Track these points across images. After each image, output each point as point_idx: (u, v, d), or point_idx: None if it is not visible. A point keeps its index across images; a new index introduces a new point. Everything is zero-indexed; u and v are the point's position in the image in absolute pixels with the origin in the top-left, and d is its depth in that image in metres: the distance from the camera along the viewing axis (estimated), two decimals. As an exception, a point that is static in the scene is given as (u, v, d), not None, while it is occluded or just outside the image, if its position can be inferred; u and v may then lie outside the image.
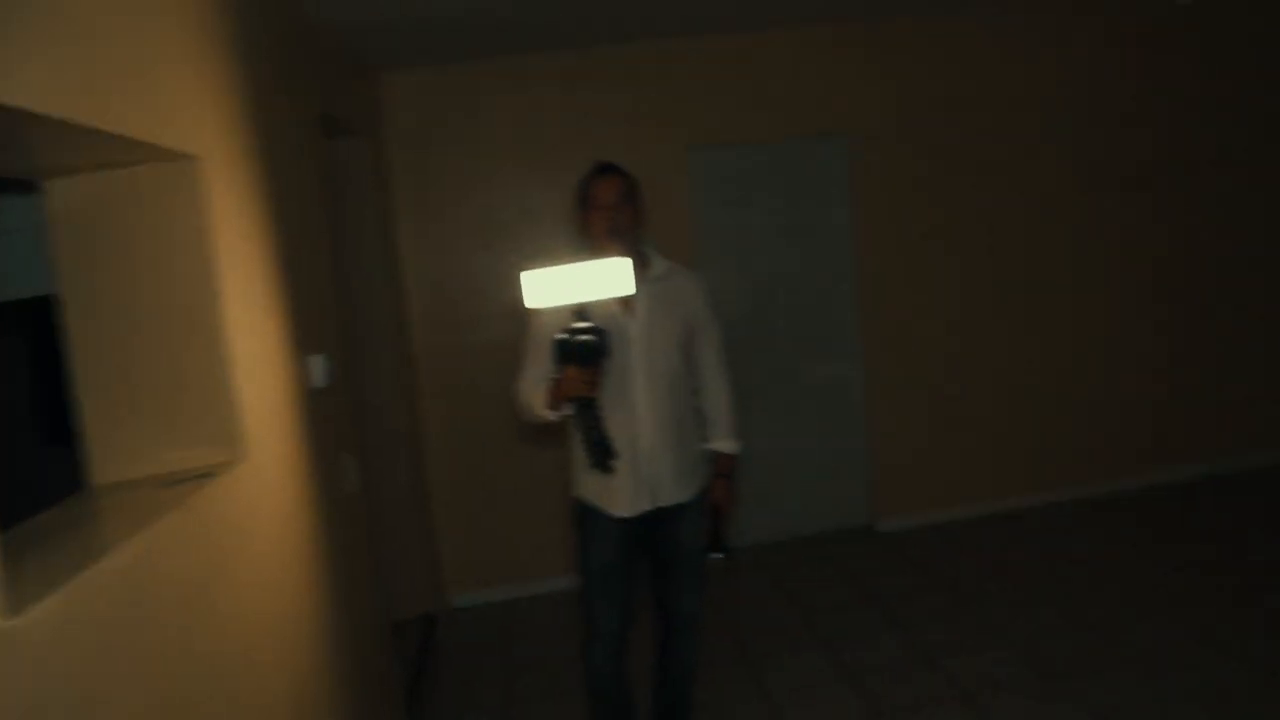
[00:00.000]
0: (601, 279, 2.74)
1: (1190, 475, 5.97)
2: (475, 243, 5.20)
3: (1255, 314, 6.00)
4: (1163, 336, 5.90)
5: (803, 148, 5.48)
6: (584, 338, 2.77)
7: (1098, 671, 3.81)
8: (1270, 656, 3.78)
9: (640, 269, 3.05)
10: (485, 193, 5.17)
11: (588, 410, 2.86)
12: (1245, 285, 5.97)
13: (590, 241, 3.09)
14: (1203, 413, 5.99)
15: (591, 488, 3.14)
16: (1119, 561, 4.87)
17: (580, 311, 2.80)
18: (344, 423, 3.51)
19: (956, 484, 5.75)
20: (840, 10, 5.09)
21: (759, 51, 5.30)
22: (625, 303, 3.05)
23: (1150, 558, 4.87)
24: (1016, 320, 5.73)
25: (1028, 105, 5.61)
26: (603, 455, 2.87)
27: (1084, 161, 5.70)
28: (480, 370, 5.20)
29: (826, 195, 5.54)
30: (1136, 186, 5.76)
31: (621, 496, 3.08)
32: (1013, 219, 5.66)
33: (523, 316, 3.10)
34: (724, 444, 3.28)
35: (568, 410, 2.94)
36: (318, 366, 3.14)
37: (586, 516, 3.18)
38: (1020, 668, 3.91)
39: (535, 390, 3.03)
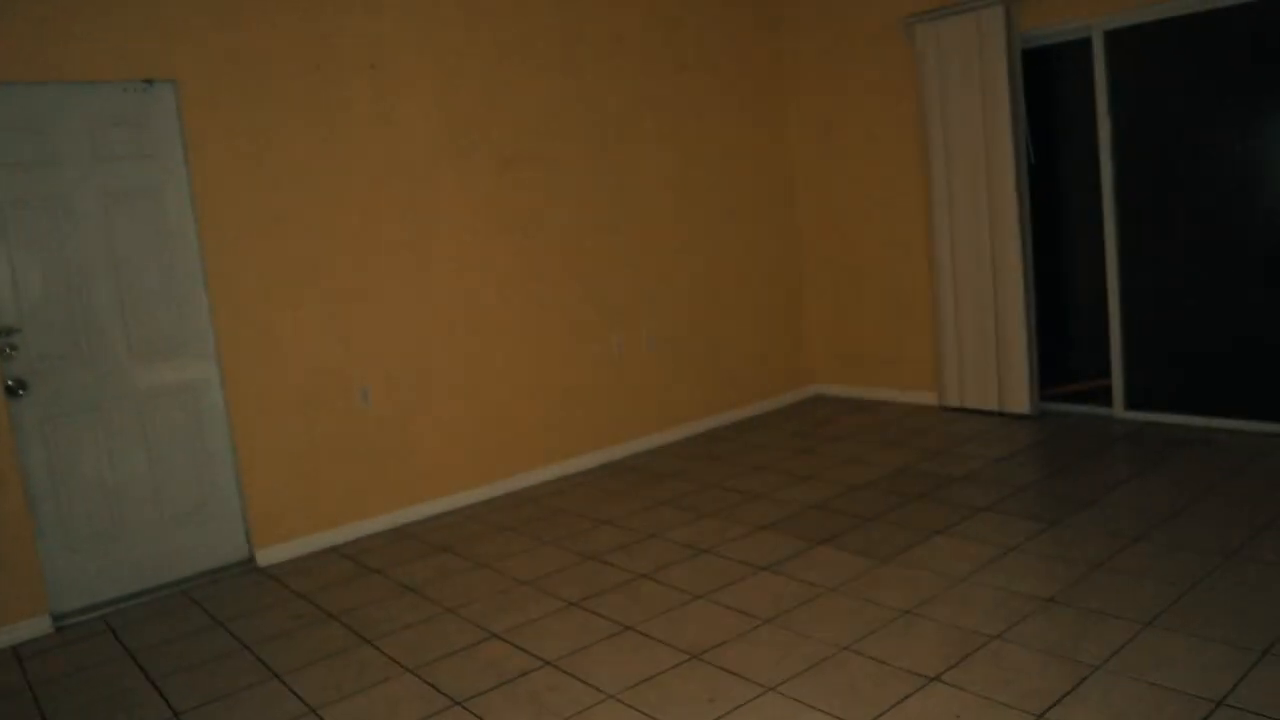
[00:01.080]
0: None
1: (588, 464, 5.84)
2: None
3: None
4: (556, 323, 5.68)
5: (122, 96, 4.36)
6: None
7: (501, 685, 3.25)
8: (628, 616, 3.50)
9: None
10: None
11: None
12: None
13: None
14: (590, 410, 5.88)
15: None
16: (514, 559, 4.44)
17: None
18: None
19: (349, 499, 4.98)
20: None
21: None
22: None
23: (547, 549, 4.51)
24: (409, 303, 5.13)
25: (403, 60, 5.06)
26: None
27: (457, 126, 5.29)
28: None
29: (158, 156, 4.47)
30: (529, 160, 5.48)
31: None
32: (390, 192, 5.06)
33: None
34: None
35: None
36: None
37: None
38: (421, 697, 3.22)
39: None
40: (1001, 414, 5.89)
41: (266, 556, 4.75)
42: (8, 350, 4.10)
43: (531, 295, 5.57)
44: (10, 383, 4.12)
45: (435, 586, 4.18)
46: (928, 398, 6.36)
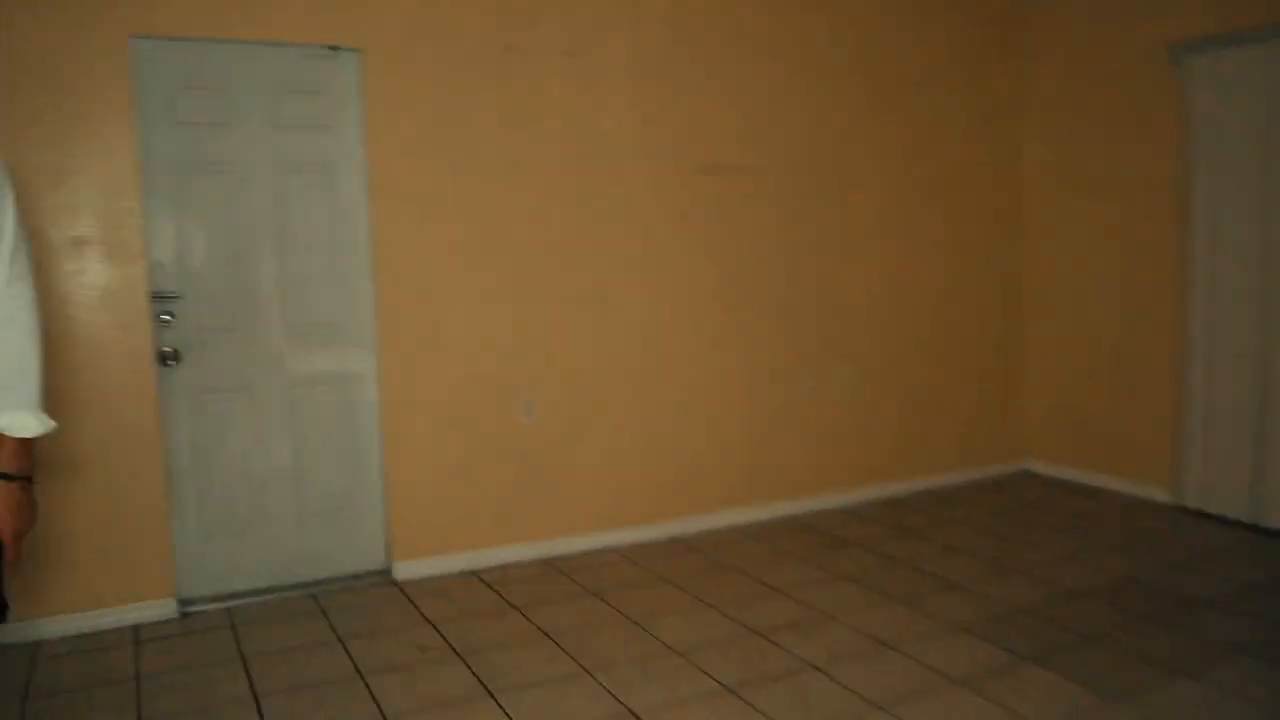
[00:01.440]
0: None
1: (763, 516, 5.24)
2: None
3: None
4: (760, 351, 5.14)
5: (305, 60, 4.10)
6: None
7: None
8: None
9: None
10: None
11: None
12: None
13: None
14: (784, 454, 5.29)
15: None
16: (668, 619, 3.91)
17: None
18: None
19: (499, 520, 4.57)
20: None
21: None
22: None
23: (708, 613, 3.96)
24: (584, 313, 4.71)
25: (604, 50, 4.65)
26: None
27: (655, 125, 4.83)
28: None
29: (335, 128, 4.20)
30: (732, 171, 4.97)
31: None
32: (575, 189, 4.66)
33: None
34: (12, 418, 1.84)
35: None
36: None
37: None
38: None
39: None
40: (1255, 528, 4.96)
41: (404, 570, 4.39)
42: (165, 317, 3.89)
43: (719, 320, 5.04)
44: (164, 350, 3.90)
45: (577, 638, 3.70)
46: (1160, 493, 5.47)
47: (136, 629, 3.85)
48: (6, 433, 1.81)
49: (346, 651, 3.61)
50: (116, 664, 3.54)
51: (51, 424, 1.88)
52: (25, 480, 1.85)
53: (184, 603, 4.03)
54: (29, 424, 1.83)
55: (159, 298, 3.88)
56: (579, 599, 4.12)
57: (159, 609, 3.96)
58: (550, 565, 4.54)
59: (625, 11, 4.69)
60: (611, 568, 4.51)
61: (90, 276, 3.77)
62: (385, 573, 4.40)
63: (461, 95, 4.35)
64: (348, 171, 4.21)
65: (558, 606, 4.03)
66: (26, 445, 1.85)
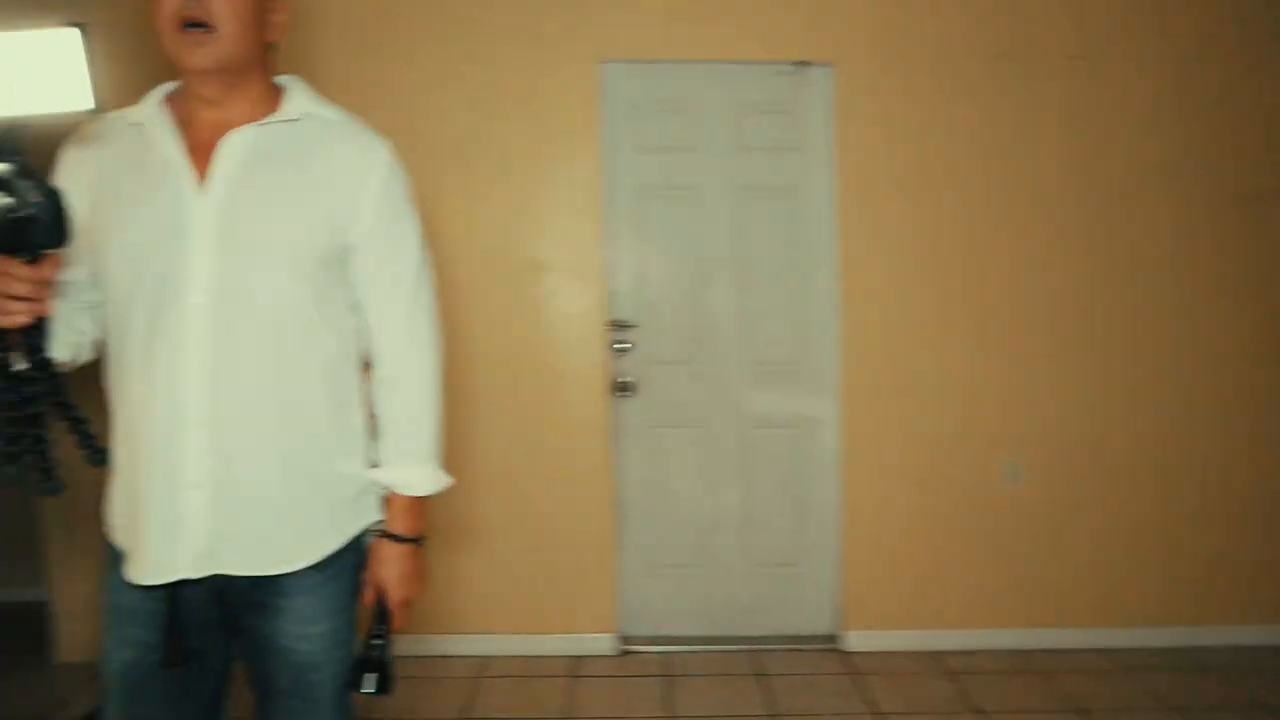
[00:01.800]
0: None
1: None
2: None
3: None
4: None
5: (772, 79, 3.80)
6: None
7: None
8: None
9: (251, 103, 1.54)
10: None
11: (31, 351, 1.31)
12: None
13: (170, 52, 1.49)
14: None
15: (119, 516, 1.56)
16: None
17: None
18: None
19: (967, 598, 3.93)
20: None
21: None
22: (196, 156, 1.49)
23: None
24: (1093, 365, 3.92)
25: (1117, 52, 3.85)
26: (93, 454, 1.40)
27: (1180, 141, 3.90)
28: None
29: (801, 150, 3.83)
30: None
31: (145, 542, 1.49)
32: (1074, 217, 3.88)
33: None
34: (404, 473, 1.64)
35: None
36: None
37: (113, 569, 1.57)
38: None
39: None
40: None
41: (854, 641, 3.90)
42: (621, 346, 3.78)
43: (1272, 382, 3.98)
44: (620, 380, 3.80)
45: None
46: None
47: (576, 660, 3.77)
48: (396, 489, 1.63)
49: (780, 729, 3.23)
50: (551, 696, 3.47)
51: (447, 480, 1.68)
52: (415, 543, 1.65)
53: (623, 639, 3.89)
54: (421, 481, 1.64)
55: (616, 326, 3.78)
56: (1058, 715, 3.37)
57: (598, 643, 3.85)
58: (1026, 660, 3.81)
59: (1145, 8, 3.86)
60: (1103, 677, 3.67)
61: (551, 301, 3.77)
62: (832, 639, 3.95)
63: (942, 110, 3.81)
64: (812, 197, 3.84)
65: (1027, 719, 3.33)
66: (419, 504, 1.65)
